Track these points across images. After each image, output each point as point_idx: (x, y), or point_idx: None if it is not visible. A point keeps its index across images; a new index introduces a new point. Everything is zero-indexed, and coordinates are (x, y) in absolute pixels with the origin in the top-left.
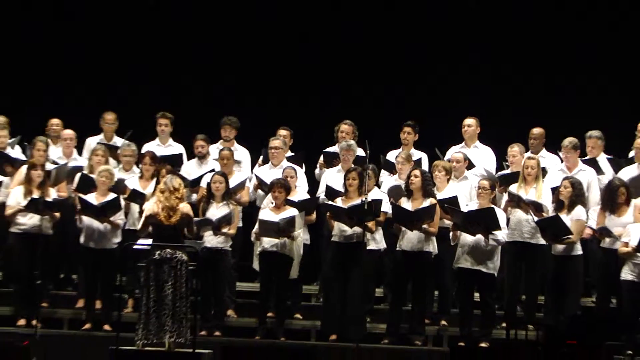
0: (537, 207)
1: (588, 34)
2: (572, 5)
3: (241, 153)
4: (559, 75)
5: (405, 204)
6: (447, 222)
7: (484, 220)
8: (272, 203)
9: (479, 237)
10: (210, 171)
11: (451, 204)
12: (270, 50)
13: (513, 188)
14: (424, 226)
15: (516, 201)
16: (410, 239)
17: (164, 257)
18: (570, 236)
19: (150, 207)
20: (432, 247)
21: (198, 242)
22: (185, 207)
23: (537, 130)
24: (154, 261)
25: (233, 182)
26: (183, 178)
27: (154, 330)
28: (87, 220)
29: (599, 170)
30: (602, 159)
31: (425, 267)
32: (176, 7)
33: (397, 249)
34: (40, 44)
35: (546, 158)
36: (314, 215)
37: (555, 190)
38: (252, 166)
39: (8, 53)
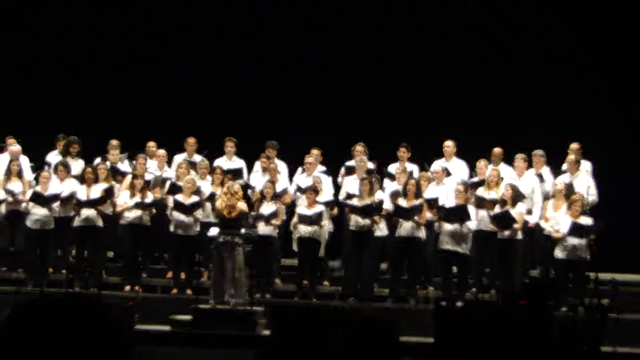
0: (494, 204)
1: (539, 75)
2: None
3: (281, 166)
4: (515, 108)
5: (402, 202)
6: (429, 216)
7: (459, 214)
8: (306, 202)
9: (456, 225)
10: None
11: (435, 202)
12: (311, 88)
13: (479, 191)
14: (415, 218)
15: (480, 202)
16: (406, 227)
17: (226, 241)
18: (515, 225)
19: (217, 205)
20: (422, 233)
21: (254, 230)
22: (242, 205)
23: (497, 150)
24: (219, 244)
25: (278, 187)
26: (248, 185)
27: (219, 293)
28: (176, 214)
29: (541, 179)
30: (545, 170)
31: (417, 248)
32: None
33: (396, 235)
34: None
35: (503, 170)
36: (335, 210)
37: None
38: (290, 175)
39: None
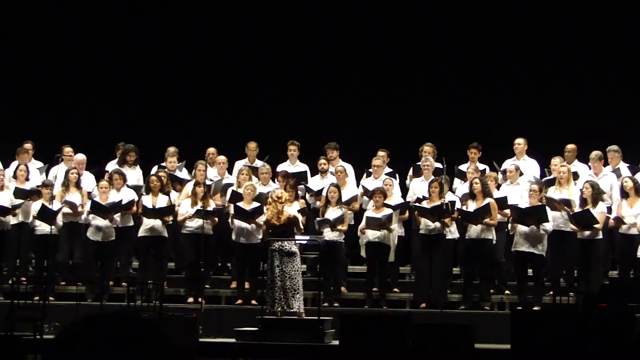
0: (567, 204)
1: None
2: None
3: (348, 169)
4: (589, 101)
5: (471, 204)
6: (500, 217)
7: (537, 215)
8: (374, 205)
9: (532, 227)
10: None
11: (503, 201)
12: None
13: (550, 191)
14: (486, 220)
15: (551, 203)
16: (475, 229)
17: (276, 248)
18: (596, 225)
19: (267, 216)
20: (492, 235)
21: (320, 237)
22: (290, 210)
23: (570, 146)
24: (270, 251)
25: (344, 191)
26: (308, 189)
27: (270, 301)
28: (237, 222)
29: (618, 175)
30: (623, 167)
31: (487, 250)
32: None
33: (466, 237)
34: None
35: (577, 167)
36: (407, 214)
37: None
38: (357, 176)
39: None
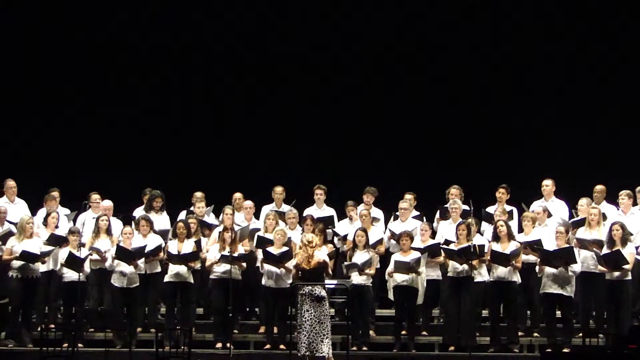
0: (599, 244)
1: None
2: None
3: (377, 213)
4: (615, 144)
5: (495, 246)
6: (532, 259)
7: (564, 257)
8: (402, 249)
9: (560, 268)
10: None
11: (537, 244)
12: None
13: (580, 232)
14: (513, 262)
15: (583, 244)
16: (502, 270)
17: (306, 292)
18: (625, 266)
19: (297, 260)
20: (517, 277)
21: (347, 280)
22: (320, 254)
23: (599, 187)
24: (300, 295)
25: (371, 234)
26: (335, 233)
27: (299, 346)
28: (267, 266)
29: None
30: None
31: (513, 292)
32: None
33: (491, 278)
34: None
35: (605, 207)
36: (441, 257)
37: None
38: (386, 222)
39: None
